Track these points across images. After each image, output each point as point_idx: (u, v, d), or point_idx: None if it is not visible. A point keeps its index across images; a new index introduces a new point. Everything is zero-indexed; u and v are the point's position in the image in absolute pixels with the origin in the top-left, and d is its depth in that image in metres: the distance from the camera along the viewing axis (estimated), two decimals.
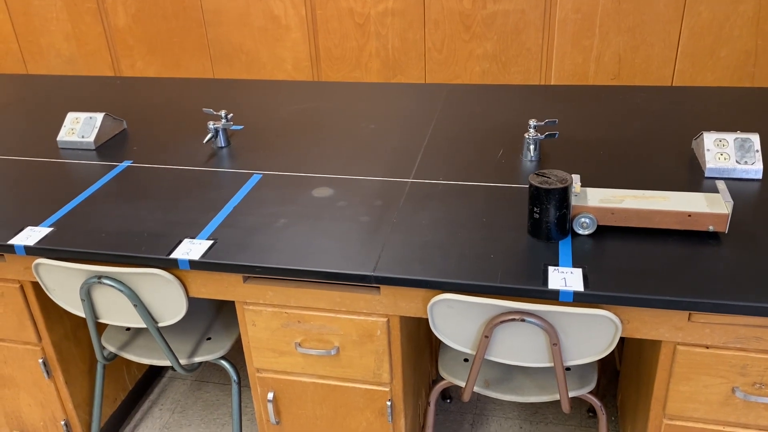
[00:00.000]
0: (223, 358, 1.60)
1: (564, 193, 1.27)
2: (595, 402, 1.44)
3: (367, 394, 1.42)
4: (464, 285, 1.21)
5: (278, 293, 1.35)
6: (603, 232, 1.32)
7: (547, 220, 1.29)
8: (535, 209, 1.29)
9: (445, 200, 1.48)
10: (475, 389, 1.43)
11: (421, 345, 1.65)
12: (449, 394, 1.99)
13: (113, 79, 2.45)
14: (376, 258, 1.28)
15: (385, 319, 1.32)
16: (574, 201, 1.32)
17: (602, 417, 1.45)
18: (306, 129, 1.90)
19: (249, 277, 1.36)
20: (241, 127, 1.96)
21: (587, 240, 1.30)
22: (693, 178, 1.51)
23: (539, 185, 1.27)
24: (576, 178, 1.36)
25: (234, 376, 1.62)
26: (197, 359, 1.58)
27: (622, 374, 1.78)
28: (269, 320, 1.38)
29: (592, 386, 1.41)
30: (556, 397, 1.40)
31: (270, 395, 1.48)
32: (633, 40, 2.85)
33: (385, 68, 3.17)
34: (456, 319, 1.26)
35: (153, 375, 2.12)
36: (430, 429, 1.55)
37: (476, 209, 1.43)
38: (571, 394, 1.39)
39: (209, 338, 1.63)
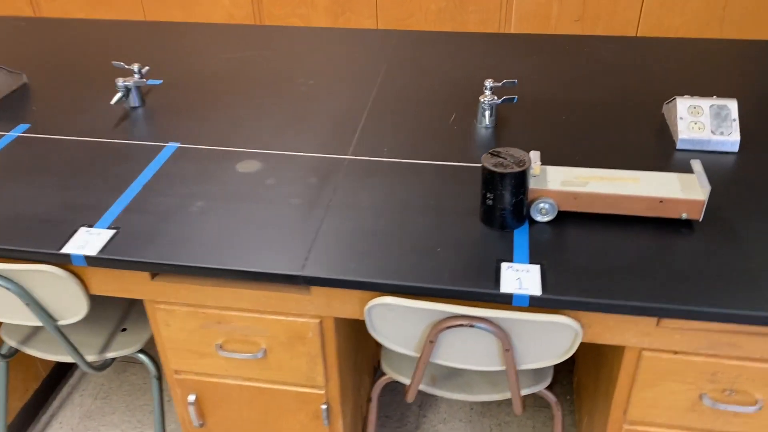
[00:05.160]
0: (141, 351, 1.43)
1: (521, 178, 1.10)
2: (550, 398, 1.32)
3: (300, 397, 1.27)
4: (405, 287, 1.04)
5: (193, 292, 1.16)
6: (564, 218, 1.17)
7: (502, 207, 1.12)
8: (488, 195, 1.12)
9: (389, 177, 1.29)
10: (421, 387, 1.29)
11: (363, 335, 1.50)
12: None
13: (16, 20, 2.14)
14: (306, 252, 1.11)
15: (318, 321, 1.16)
16: (532, 183, 1.15)
17: (558, 414, 1.34)
18: (235, 85, 1.67)
19: (158, 273, 1.17)
20: (160, 81, 1.71)
21: (546, 228, 1.15)
22: (663, 149, 1.36)
23: (493, 168, 1.09)
24: (535, 157, 1.19)
25: (153, 371, 1.45)
26: (110, 354, 1.40)
27: (579, 354, 1.68)
28: (184, 321, 1.21)
29: (547, 382, 1.29)
30: (509, 395, 1.28)
31: (191, 398, 1.32)
32: None
33: (333, 4, 2.91)
34: (397, 322, 1.11)
35: None
36: (373, 426, 1.42)
37: (424, 189, 1.26)
38: (525, 392, 1.27)
39: (124, 329, 1.45)
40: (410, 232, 1.15)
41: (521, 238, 1.13)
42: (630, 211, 1.14)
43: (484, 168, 1.11)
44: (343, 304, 1.12)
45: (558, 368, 1.85)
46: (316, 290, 1.12)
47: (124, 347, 1.40)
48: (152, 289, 1.18)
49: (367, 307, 1.08)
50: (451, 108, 1.54)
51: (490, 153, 1.13)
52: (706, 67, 1.70)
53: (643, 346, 1.07)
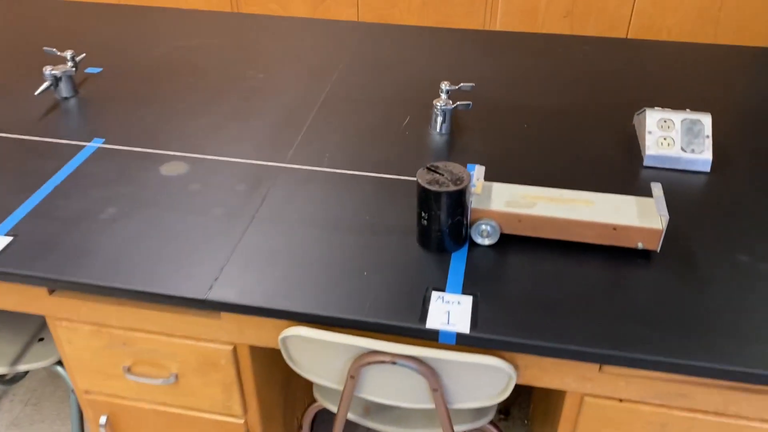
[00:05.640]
0: (59, 362, 1.32)
1: (458, 197, 0.99)
2: None
3: (218, 425, 1.17)
4: (321, 317, 0.93)
5: (94, 310, 1.05)
6: (509, 241, 1.06)
7: (438, 228, 1.01)
8: (423, 215, 1.01)
9: (326, 188, 1.18)
10: (352, 419, 1.19)
11: None
12: None
13: None
14: (218, 272, 0.99)
15: (230, 347, 1.05)
16: (474, 203, 1.04)
17: None
18: (179, 76, 1.55)
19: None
20: (100, 69, 1.59)
21: (487, 252, 1.04)
22: (630, 166, 1.24)
23: (427, 186, 0.98)
24: (479, 173, 1.08)
25: (71, 386, 1.35)
26: (22, 367, 1.29)
27: None
28: (88, 340, 1.10)
29: (489, 417, 1.18)
30: None
31: (102, 419, 1.21)
32: None
33: None
34: (316, 353, 0.99)
35: None
36: None
37: (362, 203, 1.14)
38: (465, 428, 1.16)
39: (41, 339, 1.34)
40: (338, 251, 1.03)
41: (458, 263, 1.02)
42: (580, 237, 1.03)
43: (418, 185, 0.99)
44: (257, 331, 1.01)
45: (518, 389, 1.75)
46: (226, 315, 1.01)
47: (38, 359, 1.30)
48: (51, 304, 1.07)
49: (279, 337, 0.97)
50: (406, 110, 1.42)
51: (426, 168, 1.02)
52: (689, 74, 1.58)
53: (584, 391, 0.96)
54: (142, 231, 1.07)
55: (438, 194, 0.97)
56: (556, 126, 1.37)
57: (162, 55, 1.66)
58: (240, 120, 1.38)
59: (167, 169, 1.23)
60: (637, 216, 1.02)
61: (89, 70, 1.59)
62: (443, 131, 1.34)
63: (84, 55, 1.52)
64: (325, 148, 1.29)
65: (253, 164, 1.24)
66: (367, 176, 1.21)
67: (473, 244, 1.05)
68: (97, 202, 1.14)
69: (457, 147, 1.30)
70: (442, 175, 1.00)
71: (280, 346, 0.99)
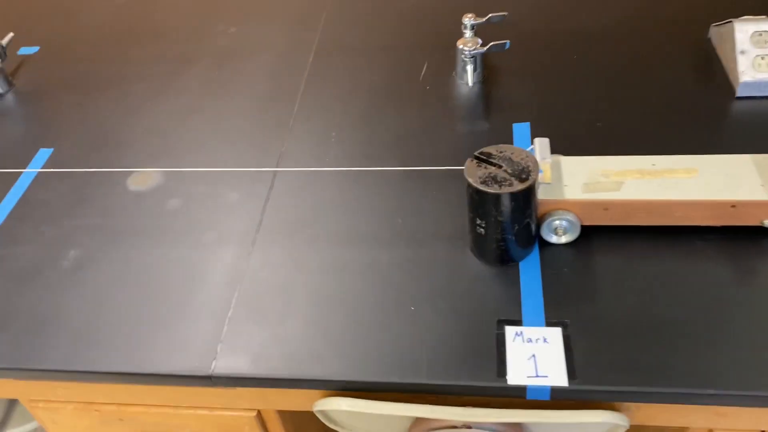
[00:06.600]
0: None
1: (526, 198, 0.73)
2: None
3: None
4: (365, 384, 0.71)
5: (74, 390, 0.83)
6: (590, 234, 0.81)
7: (501, 237, 0.76)
8: (479, 221, 0.76)
9: (342, 182, 0.92)
10: None
11: None
12: None
13: None
14: (221, 329, 0.76)
15: (254, 414, 0.83)
16: (542, 193, 0.78)
17: None
18: (135, 42, 1.25)
19: None
20: (36, 48, 1.29)
21: (565, 254, 0.79)
22: (717, 98, 0.98)
23: (483, 187, 0.72)
24: (543, 149, 0.81)
25: None
26: None
27: None
28: (75, 419, 0.88)
29: None
30: None
31: None
32: None
33: None
34: (364, 420, 0.78)
35: None
36: None
37: (391, 199, 0.89)
38: None
39: None
40: (371, 278, 0.79)
41: (531, 277, 0.78)
42: (685, 221, 0.78)
43: (468, 186, 0.74)
44: (284, 397, 0.79)
45: None
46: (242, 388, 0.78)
47: (25, 421, 1.10)
48: (21, 389, 0.84)
49: (314, 410, 0.75)
50: (421, 56, 1.14)
51: (476, 158, 0.75)
52: None
53: (715, 426, 0.74)
54: (116, 279, 0.83)
55: (498, 197, 0.72)
56: (611, 54, 1.09)
57: (110, 16, 1.35)
58: (216, 96, 1.11)
59: (135, 182, 0.97)
60: (760, 184, 0.77)
61: (23, 50, 1.29)
62: (475, 80, 1.06)
63: (12, 35, 1.21)
64: (329, 124, 1.02)
65: (244, 158, 0.98)
66: (390, 160, 0.95)
67: (544, 243, 0.81)
68: (54, 243, 0.89)
69: (495, 102, 1.02)
70: (500, 166, 0.74)
71: (318, 416, 0.77)
